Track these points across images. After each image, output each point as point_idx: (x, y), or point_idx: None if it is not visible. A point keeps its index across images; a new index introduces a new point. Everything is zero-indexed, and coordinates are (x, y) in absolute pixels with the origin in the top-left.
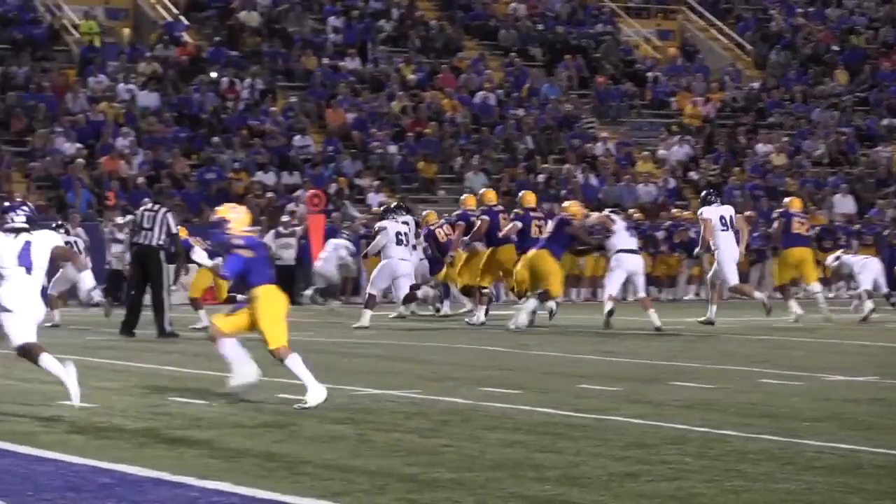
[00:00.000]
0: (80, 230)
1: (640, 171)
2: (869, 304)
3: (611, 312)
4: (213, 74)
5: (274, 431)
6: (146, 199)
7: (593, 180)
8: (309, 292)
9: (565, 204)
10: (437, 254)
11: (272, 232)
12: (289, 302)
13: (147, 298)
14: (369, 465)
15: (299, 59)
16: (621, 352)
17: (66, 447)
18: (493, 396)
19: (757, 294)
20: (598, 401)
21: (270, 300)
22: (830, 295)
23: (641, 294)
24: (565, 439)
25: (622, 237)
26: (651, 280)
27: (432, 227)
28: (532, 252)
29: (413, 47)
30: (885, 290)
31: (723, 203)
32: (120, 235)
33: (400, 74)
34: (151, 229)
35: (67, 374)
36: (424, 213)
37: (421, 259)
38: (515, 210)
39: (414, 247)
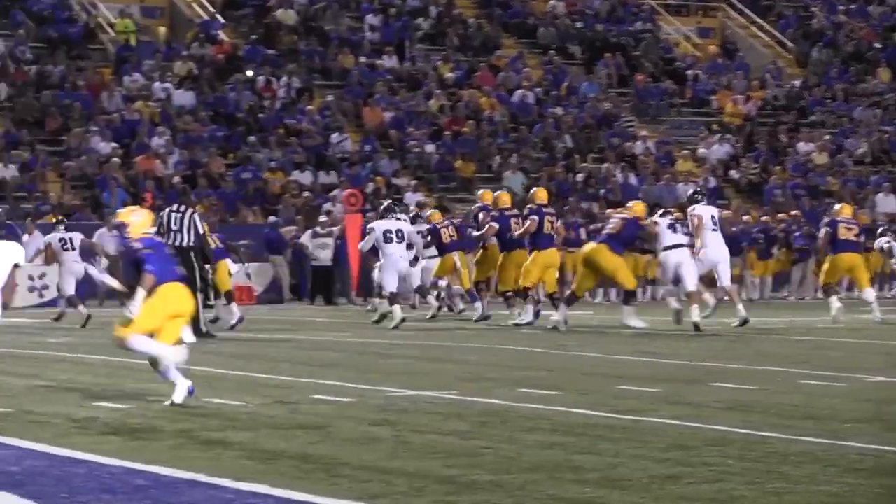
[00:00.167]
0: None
1: (679, 170)
2: None
3: (678, 311)
4: (249, 73)
5: (311, 433)
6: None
7: (632, 179)
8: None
9: (630, 204)
10: (420, 252)
11: (309, 232)
12: (326, 302)
13: None
14: (407, 467)
15: (336, 58)
16: (661, 352)
17: (101, 448)
18: (531, 397)
19: (707, 296)
20: (637, 402)
21: (165, 297)
22: (888, 295)
23: (691, 288)
24: (604, 441)
25: (666, 236)
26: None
27: (438, 226)
28: (589, 248)
29: (451, 45)
30: None
31: (708, 203)
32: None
33: (437, 73)
34: (180, 230)
35: None
36: (428, 212)
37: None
38: (529, 206)
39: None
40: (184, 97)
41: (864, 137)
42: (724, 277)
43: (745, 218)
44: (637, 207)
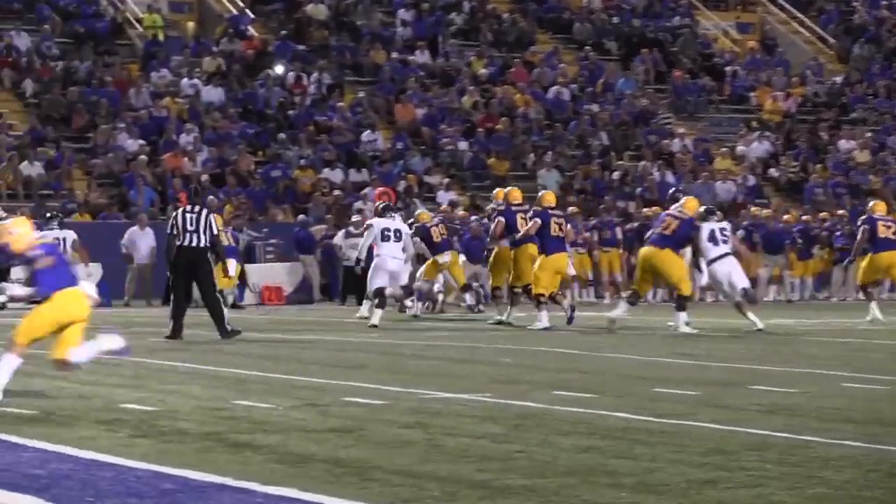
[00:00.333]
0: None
1: (718, 169)
2: None
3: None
4: (279, 69)
5: (342, 436)
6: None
7: (670, 178)
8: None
9: (682, 199)
10: (427, 253)
11: (342, 232)
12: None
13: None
14: (440, 471)
15: (368, 53)
16: (699, 354)
17: (128, 452)
18: (566, 400)
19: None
20: (675, 405)
21: (59, 304)
22: None
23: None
24: (641, 445)
25: (710, 250)
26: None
27: (427, 226)
28: (650, 251)
29: (485, 41)
30: None
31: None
32: None
33: (471, 69)
34: (196, 231)
35: None
36: (417, 212)
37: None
38: (534, 208)
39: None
40: (212, 94)
41: None
42: (703, 278)
43: (786, 217)
44: (690, 204)
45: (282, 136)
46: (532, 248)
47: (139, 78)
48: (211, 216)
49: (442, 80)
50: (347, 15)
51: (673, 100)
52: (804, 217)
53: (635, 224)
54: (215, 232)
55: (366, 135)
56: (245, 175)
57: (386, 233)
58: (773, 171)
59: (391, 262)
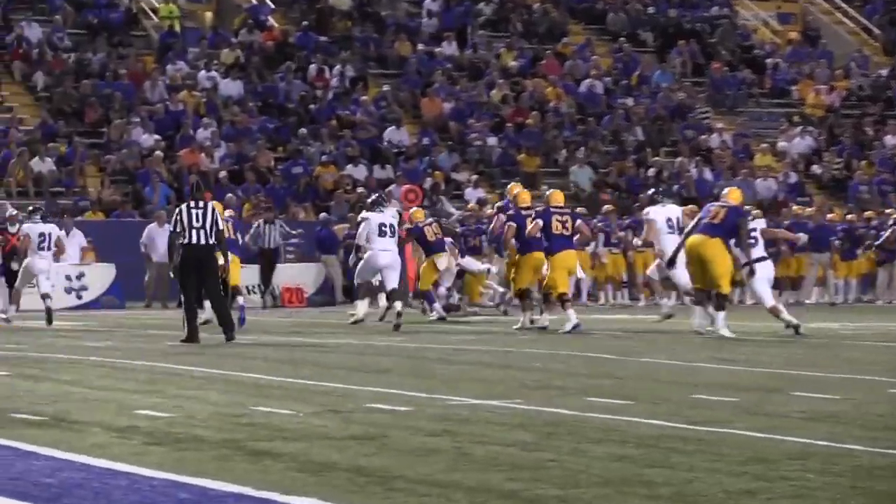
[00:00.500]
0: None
1: (758, 165)
2: None
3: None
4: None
5: (365, 443)
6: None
7: (708, 175)
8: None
9: (725, 190)
10: (422, 253)
11: None
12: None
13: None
14: (467, 481)
15: (393, 45)
16: (738, 359)
17: (143, 460)
18: (600, 407)
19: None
20: (713, 412)
21: None
22: None
23: (770, 303)
24: (678, 453)
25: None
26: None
27: (421, 225)
28: (699, 238)
29: (515, 32)
30: None
31: (673, 203)
32: None
33: (500, 61)
34: (203, 227)
35: None
36: (412, 209)
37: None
38: (535, 208)
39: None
40: (231, 87)
41: None
42: (685, 281)
43: (829, 216)
44: (734, 195)
45: (303, 131)
46: (538, 256)
47: (154, 70)
48: (216, 211)
49: (470, 72)
50: (371, 5)
51: (711, 93)
52: (848, 216)
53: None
54: (220, 227)
55: (389, 131)
56: (265, 172)
57: (382, 228)
58: (815, 168)
59: (383, 257)
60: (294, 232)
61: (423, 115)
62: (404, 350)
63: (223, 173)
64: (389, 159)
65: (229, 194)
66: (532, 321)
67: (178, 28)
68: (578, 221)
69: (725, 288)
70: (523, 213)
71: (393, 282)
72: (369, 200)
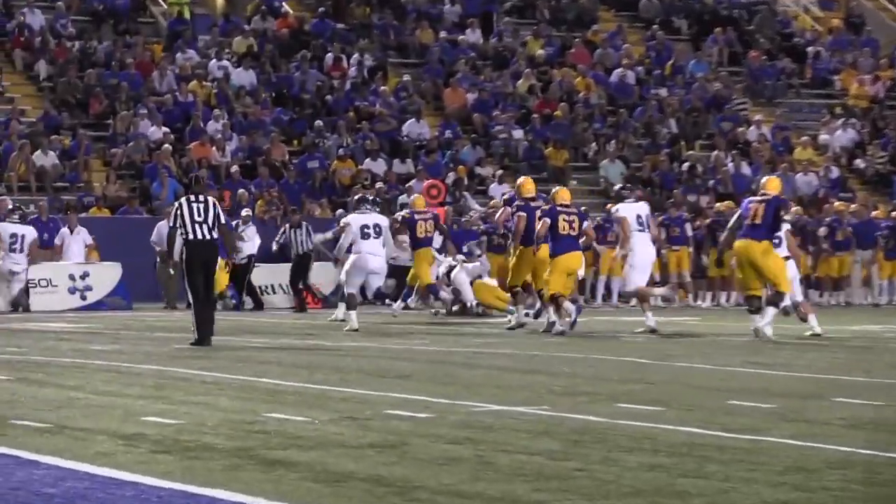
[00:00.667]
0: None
1: (798, 159)
2: None
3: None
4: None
5: (383, 452)
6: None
7: (745, 169)
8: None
9: (763, 180)
10: (410, 246)
11: None
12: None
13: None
14: (491, 491)
15: (413, 33)
16: (776, 364)
17: (150, 469)
18: (631, 413)
19: (657, 290)
20: (750, 419)
21: None
22: None
23: (799, 298)
24: (713, 462)
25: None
26: (813, 282)
27: (416, 217)
28: (745, 243)
29: (542, 19)
30: None
31: (640, 199)
32: None
33: (527, 49)
34: (205, 222)
35: None
36: (412, 197)
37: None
38: (542, 206)
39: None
40: (243, 77)
41: None
42: (639, 280)
43: (874, 213)
44: (772, 184)
45: (319, 123)
46: (540, 254)
47: (163, 59)
48: (217, 205)
49: (495, 62)
50: None
51: (749, 84)
52: (893, 213)
53: (707, 220)
54: (223, 220)
55: (410, 122)
56: (279, 166)
57: (365, 230)
58: (858, 163)
59: (372, 261)
60: (330, 236)
61: (445, 106)
62: (424, 354)
63: (235, 168)
64: (410, 153)
65: (241, 189)
66: (524, 319)
67: (187, 14)
68: (585, 223)
69: (783, 286)
70: (532, 204)
71: (374, 286)
72: (356, 198)
